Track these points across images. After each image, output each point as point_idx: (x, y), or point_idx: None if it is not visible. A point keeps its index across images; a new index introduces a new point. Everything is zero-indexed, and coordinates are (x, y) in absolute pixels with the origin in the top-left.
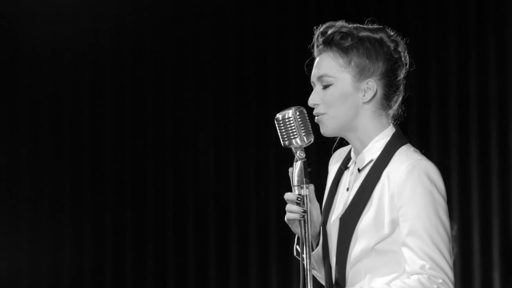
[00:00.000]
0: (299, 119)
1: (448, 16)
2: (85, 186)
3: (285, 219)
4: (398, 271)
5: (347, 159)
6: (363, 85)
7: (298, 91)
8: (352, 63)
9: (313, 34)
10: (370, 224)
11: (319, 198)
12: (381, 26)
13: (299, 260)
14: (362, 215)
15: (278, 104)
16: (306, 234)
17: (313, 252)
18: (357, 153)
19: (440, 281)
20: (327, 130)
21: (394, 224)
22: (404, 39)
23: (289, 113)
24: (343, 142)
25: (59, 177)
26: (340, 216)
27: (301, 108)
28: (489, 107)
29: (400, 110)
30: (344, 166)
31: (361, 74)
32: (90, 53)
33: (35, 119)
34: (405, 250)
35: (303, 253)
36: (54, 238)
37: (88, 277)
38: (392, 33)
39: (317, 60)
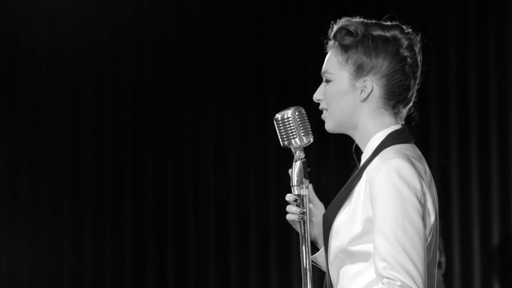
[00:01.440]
0: (298, 119)
1: (448, 16)
2: (85, 186)
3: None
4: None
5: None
6: (360, 83)
7: (298, 92)
8: (350, 61)
9: (312, 33)
10: (345, 222)
11: (320, 198)
12: (396, 23)
13: (299, 260)
14: (339, 212)
15: (278, 104)
16: (306, 234)
17: (319, 252)
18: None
19: (399, 283)
20: (327, 126)
21: (370, 224)
22: (421, 38)
23: (288, 113)
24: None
25: (59, 177)
26: (323, 213)
27: (300, 108)
28: (489, 107)
29: (412, 110)
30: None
31: (358, 72)
32: (90, 53)
33: (35, 119)
34: (373, 250)
35: (302, 254)
36: (54, 238)
37: (88, 277)
38: (408, 31)
39: (327, 54)
